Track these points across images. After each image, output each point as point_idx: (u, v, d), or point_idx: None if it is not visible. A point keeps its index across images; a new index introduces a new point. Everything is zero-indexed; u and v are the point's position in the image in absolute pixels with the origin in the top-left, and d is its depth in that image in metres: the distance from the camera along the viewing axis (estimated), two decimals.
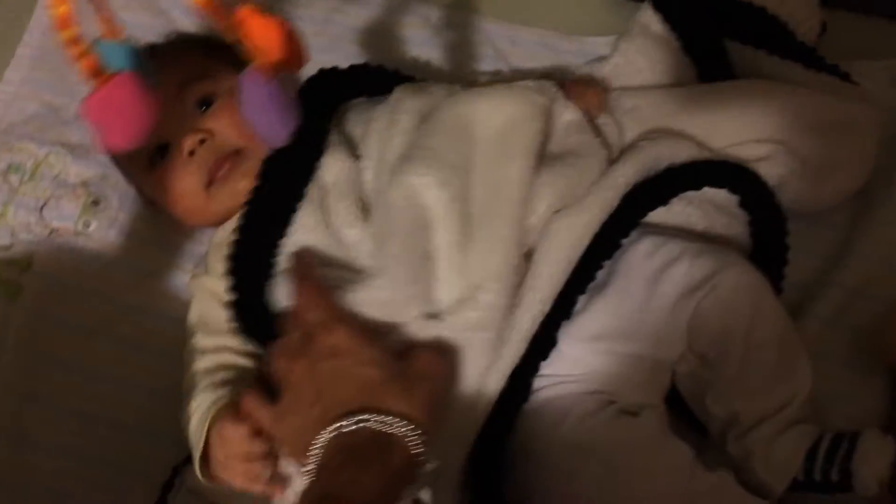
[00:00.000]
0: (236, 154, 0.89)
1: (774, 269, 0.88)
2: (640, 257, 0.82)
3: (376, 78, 0.97)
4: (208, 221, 0.93)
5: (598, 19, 1.10)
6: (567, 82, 0.93)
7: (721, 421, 0.79)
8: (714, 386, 0.79)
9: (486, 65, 1.08)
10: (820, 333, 0.89)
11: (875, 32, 1.07)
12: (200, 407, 0.80)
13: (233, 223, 0.88)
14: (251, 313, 0.82)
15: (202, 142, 0.88)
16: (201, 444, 0.78)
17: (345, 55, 1.07)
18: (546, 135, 0.84)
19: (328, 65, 1.07)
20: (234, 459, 0.76)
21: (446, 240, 0.77)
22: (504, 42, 1.09)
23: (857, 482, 0.75)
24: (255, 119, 0.77)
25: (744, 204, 0.89)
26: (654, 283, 0.80)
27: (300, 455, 0.67)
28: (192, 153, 0.88)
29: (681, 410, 0.84)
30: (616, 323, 0.80)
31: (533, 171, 0.80)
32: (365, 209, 0.83)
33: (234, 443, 0.75)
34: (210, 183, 0.88)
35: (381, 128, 0.86)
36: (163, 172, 0.90)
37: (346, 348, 0.71)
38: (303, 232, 0.83)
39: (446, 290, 0.78)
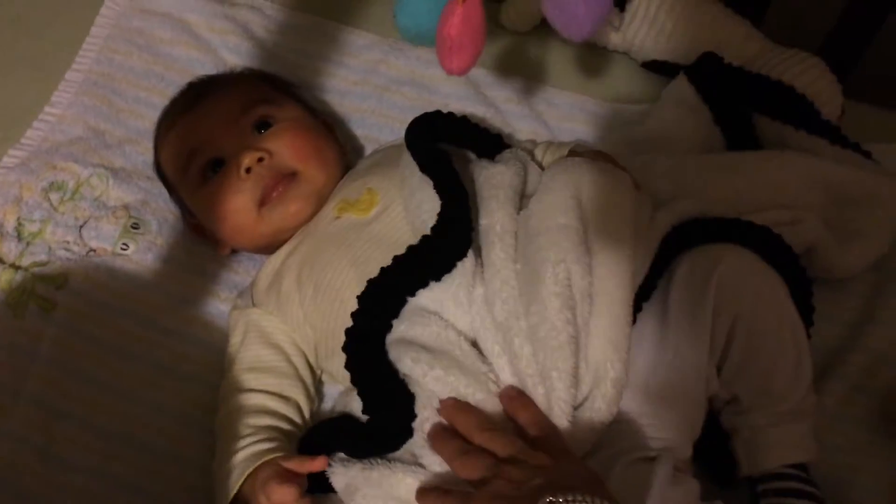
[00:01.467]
0: (292, 176, 0.90)
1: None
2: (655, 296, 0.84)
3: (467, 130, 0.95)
4: (252, 243, 0.94)
5: (630, 89, 1.15)
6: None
7: (722, 401, 0.83)
8: (722, 372, 0.81)
9: (524, 123, 1.11)
10: (845, 396, 0.92)
11: (892, 123, 1.14)
12: (244, 451, 0.79)
13: (285, 251, 0.89)
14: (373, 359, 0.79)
15: (260, 160, 0.89)
16: (236, 489, 0.78)
17: (387, 104, 1.12)
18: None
19: (368, 112, 1.11)
20: None
21: (583, 320, 0.76)
22: (541, 103, 1.14)
23: None
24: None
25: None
26: (666, 297, 0.82)
27: None
28: (248, 171, 0.89)
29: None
30: (643, 361, 0.81)
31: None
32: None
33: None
34: (263, 202, 0.89)
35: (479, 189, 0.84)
36: (215, 188, 0.91)
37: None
38: (454, 290, 0.78)
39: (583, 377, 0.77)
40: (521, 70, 1.16)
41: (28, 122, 1.06)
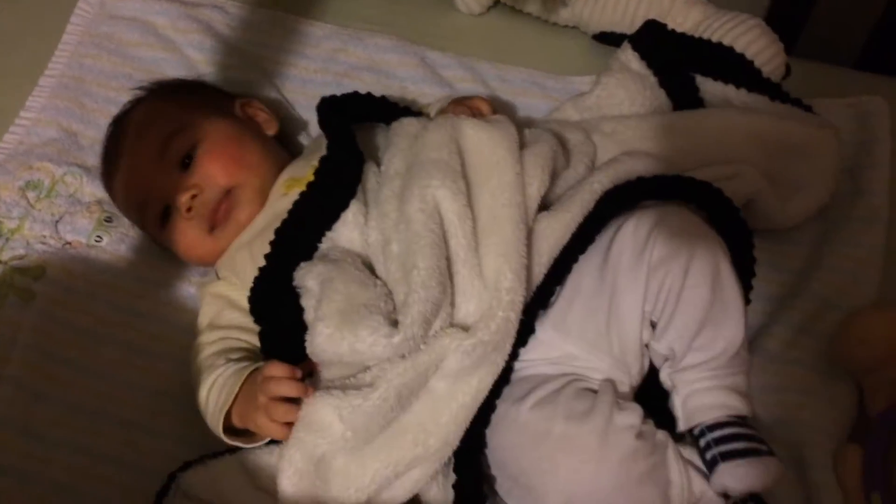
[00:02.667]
0: (228, 195, 0.97)
1: (743, 281, 0.93)
2: (596, 246, 0.88)
3: (382, 106, 1.03)
4: (217, 257, 1.00)
5: (580, 61, 1.19)
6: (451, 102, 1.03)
7: (661, 356, 0.86)
8: (657, 325, 0.84)
9: None
10: (792, 340, 0.95)
11: (836, 78, 1.17)
12: (227, 372, 0.85)
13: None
14: (278, 289, 0.87)
15: (194, 197, 0.96)
16: (231, 398, 0.83)
17: (347, 90, 1.16)
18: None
19: None
20: (275, 401, 0.80)
21: (463, 245, 0.83)
22: (494, 80, 1.18)
23: (713, 478, 0.81)
24: None
25: (711, 219, 0.95)
26: (608, 250, 0.86)
27: None
28: (189, 210, 0.96)
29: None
30: (581, 305, 0.86)
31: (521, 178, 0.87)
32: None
33: (283, 383, 0.80)
34: (213, 227, 0.97)
35: (384, 147, 0.95)
36: (169, 231, 0.98)
37: None
38: (349, 226, 0.89)
39: (468, 296, 0.82)
40: (475, 50, 1.20)
41: (4, 128, 1.12)
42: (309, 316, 0.84)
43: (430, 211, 0.83)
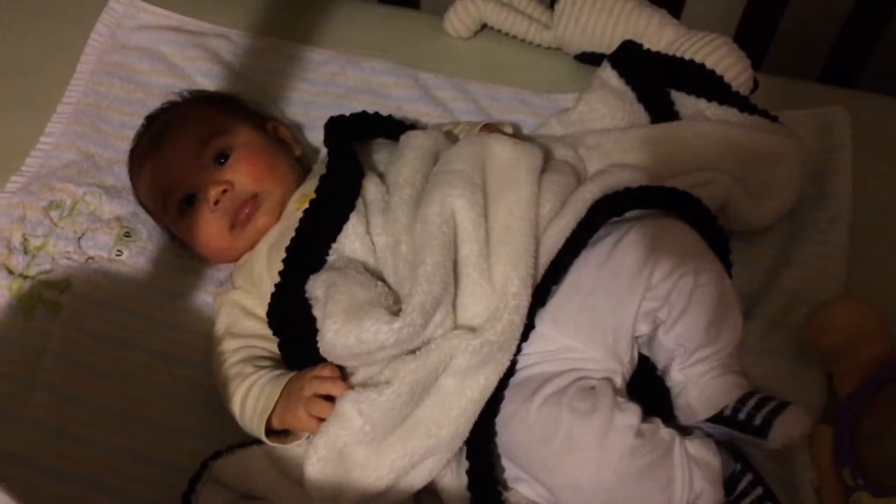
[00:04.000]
0: (254, 198, 1.04)
1: None
2: (596, 250, 0.96)
3: (387, 124, 1.12)
4: (232, 258, 1.07)
5: (563, 80, 1.28)
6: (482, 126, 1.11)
7: (669, 350, 0.93)
8: (665, 322, 0.92)
9: (471, 119, 1.23)
10: (765, 333, 1.03)
11: (800, 91, 1.26)
12: (262, 380, 0.92)
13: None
14: (292, 303, 0.94)
15: (224, 192, 1.03)
16: (273, 403, 0.89)
17: (346, 111, 1.23)
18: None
19: None
20: (318, 397, 0.87)
21: (475, 251, 0.90)
22: (484, 99, 1.26)
23: (773, 434, 0.88)
24: None
25: (691, 226, 1.03)
26: (609, 255, 0.94)
27: None
28: (216, 202, 1.02)
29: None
30: (579, 301, 0.93)
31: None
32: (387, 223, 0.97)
33: (327, 382, 0.87)
34: (234, 226, 1.03)
35: (393, 160, 1.02)
36: (191, 220, 1.05)
37: None
38: (350, 238, 0.96)
39: (476, 298, 0.90)
40: (466, 71, 1.29)
41: (26, 152, 1.19)
42: (319, 321, 0.91)
43: (447, 217, 0.91)
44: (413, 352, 0.87)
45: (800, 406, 0.91)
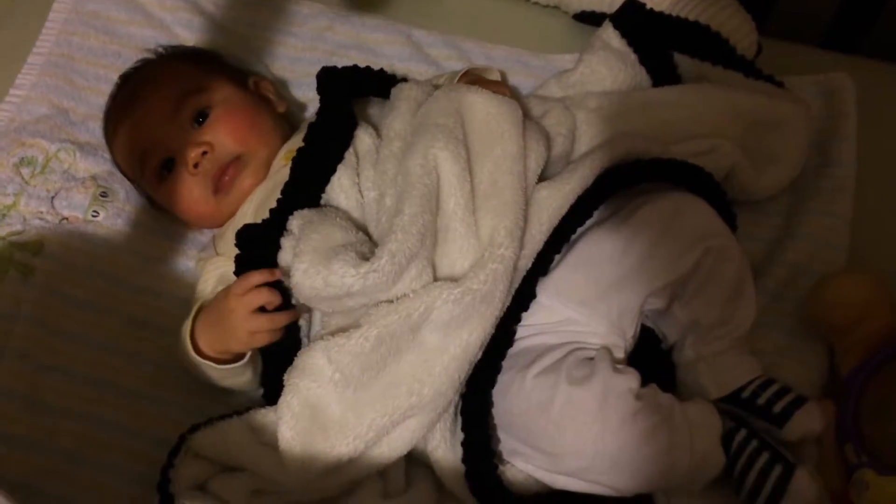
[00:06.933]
0: (237, 160, 0.98)
1: None
2: (607, 224, 0.93)
3: (380, 78, 1.07)
4: (218, 223, 1.02)
5: (561, 40, 1.23)
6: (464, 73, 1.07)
7: (683, 326, 0.91)
8: (681, 297, 0.90)
9: None
10: (768, 306, 1.00)
11: (805, 57, 1.22)
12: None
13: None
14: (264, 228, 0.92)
15: (204, 154, 0.97)
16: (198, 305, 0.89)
17: None
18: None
19: None
20: (253, 314, 0.87)
21: (461, 205, 0.87)
22: (480, 58, 1.21)
23: (790, 425, 0.87)
24: None
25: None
26: (621, 226, 0.91)
27: None
28: (196, 165, 0.97)
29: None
30: (585, 272, 0.91)
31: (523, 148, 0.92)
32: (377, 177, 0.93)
33: (254, 275, 0.87)
34: (217, 190, 0.98)
35: (385, 114, 0.98)
36: (172, 185, 1.00)
37: None
38: (336, 190, 0.93)
39: (464, 253, 0.86)
40: (461, 29, 1.23)
41: None
42: (287, 257, 0.88)
43: (429, 168, 0.87)
44: (391, 303, 0.84)
45: (820, 403, 0.89)
